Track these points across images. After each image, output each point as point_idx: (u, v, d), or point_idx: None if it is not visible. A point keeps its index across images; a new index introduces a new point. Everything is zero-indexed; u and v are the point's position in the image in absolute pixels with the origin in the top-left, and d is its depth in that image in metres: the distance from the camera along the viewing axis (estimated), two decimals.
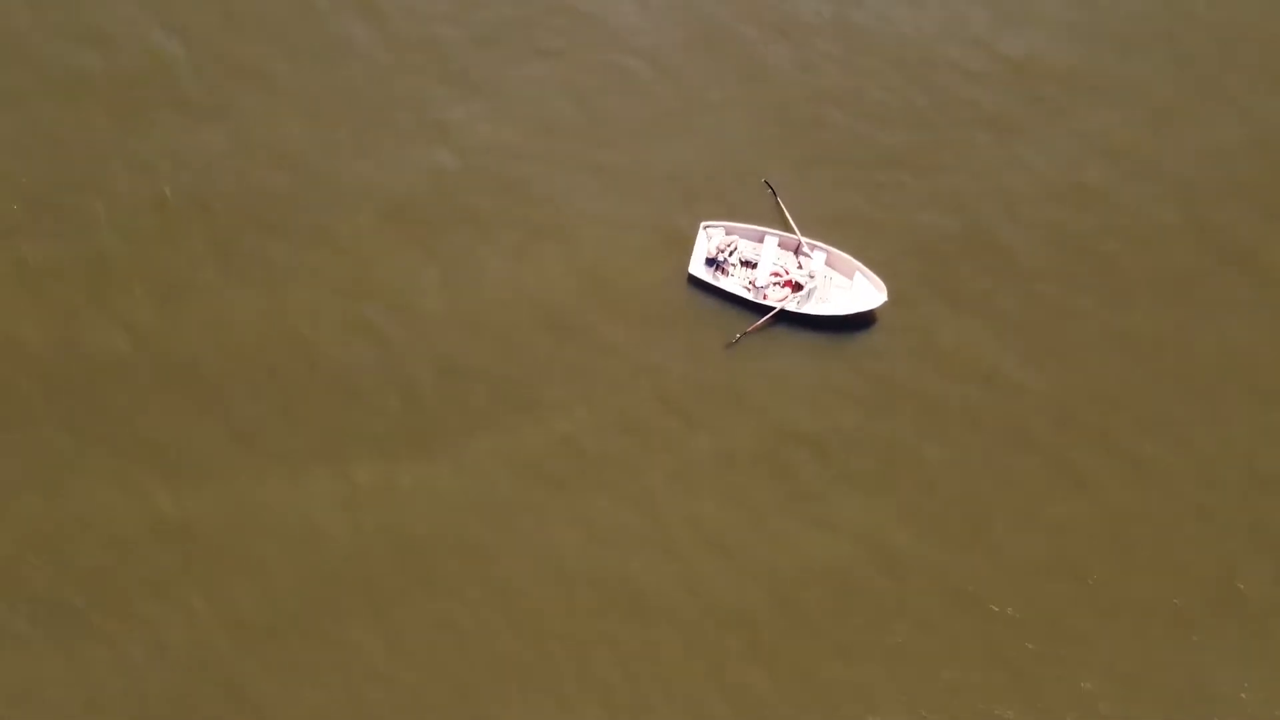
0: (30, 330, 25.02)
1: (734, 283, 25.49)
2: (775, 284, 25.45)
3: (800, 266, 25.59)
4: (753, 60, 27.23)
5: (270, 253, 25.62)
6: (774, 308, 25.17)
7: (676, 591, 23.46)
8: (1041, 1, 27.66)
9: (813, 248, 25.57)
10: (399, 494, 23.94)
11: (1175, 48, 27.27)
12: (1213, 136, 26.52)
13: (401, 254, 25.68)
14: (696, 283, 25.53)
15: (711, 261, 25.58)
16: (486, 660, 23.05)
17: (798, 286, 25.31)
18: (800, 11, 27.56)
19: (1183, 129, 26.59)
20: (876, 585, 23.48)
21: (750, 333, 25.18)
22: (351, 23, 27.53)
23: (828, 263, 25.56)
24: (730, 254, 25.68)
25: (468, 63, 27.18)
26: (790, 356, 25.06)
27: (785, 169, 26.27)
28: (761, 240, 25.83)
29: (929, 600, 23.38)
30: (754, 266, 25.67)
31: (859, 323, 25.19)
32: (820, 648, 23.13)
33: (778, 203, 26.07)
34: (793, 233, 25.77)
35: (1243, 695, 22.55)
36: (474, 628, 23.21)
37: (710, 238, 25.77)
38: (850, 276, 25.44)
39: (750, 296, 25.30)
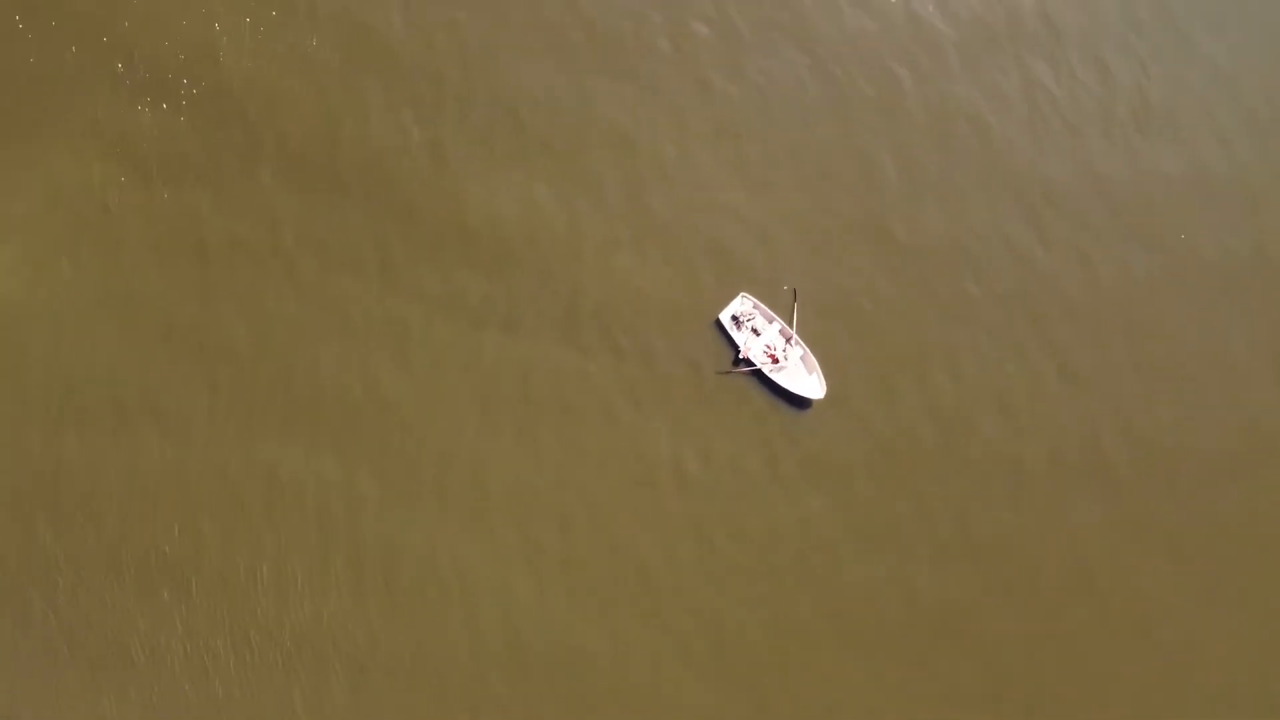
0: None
1: (741, 338, 38.31)
2: (764, 353, 38.25)
3: (784, 350, 38.33)
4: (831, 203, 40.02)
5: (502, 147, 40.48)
6: (756, 366, 38.03)
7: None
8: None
9: (797, 343, 38.30)
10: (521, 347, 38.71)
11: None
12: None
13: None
14: (718, 325, 38.46)
15: (735, 318, 38.45)
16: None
17: (775, 360, 38.11)
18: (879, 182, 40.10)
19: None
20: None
21: (736, 372, 38.08)
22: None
23: (802, 357, 38.28)
24: (749, 320, 38.50)
25: None
26: (751, 399, 38.04)
27: (816, 287, 38.95)
28: (771, 322, 38.57)
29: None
30: (759, 335, 38.45)
31: (801, 402, 37.97)
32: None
33: (793, 305, 38.76)
34: (791, 327, 38.49)
35: None
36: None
37: (742, 303, 38.61)
38: (810, 372, 38.12)
39: (747, 353, 38.11)
